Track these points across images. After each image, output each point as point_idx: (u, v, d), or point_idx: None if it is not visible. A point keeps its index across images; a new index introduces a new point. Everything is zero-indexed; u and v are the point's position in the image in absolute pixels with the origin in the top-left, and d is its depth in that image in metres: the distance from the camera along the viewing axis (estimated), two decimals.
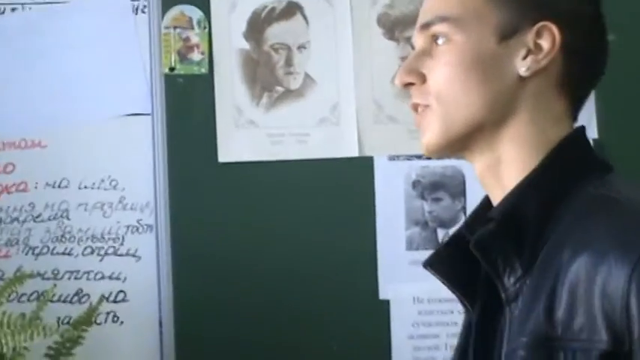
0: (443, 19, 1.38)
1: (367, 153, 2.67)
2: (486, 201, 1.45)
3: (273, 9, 2.67)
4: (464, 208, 2.68)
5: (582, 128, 1.43)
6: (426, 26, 1.41)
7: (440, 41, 1.39)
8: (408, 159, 2.68)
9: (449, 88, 1.38)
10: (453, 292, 1.46)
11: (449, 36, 1.38)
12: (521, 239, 1.35)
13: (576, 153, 1.41)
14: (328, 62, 2.68)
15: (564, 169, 1.39)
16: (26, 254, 2.63)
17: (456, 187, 2.69)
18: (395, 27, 2.68)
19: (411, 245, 2.67)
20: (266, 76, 2.67)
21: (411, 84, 1.40)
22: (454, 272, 1.45)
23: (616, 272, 1.23)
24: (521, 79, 1.38)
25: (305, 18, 2.68)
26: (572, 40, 1.39)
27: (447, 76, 1.38)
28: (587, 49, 1.42)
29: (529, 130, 1.39)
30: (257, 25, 2.66)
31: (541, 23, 1.37)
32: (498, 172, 1.40)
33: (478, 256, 1.37)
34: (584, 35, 1.42)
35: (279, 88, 2.67)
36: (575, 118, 1.44)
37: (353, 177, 2.65)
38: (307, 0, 2.67)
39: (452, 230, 2.59)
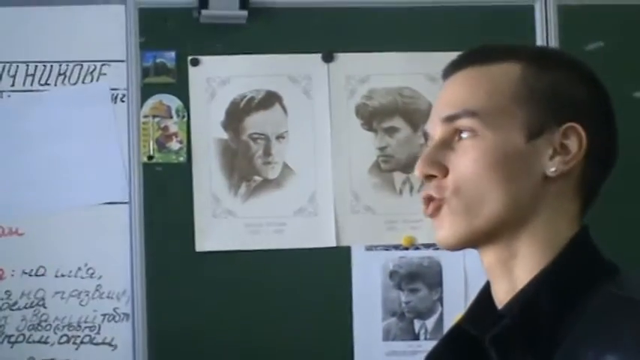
0: (472, 113, 1.35)
1: (344, 243, 2.67)
2: (485, 295, 1.43)
3: (252, 99, 2.69)
4: (440, 299, 2.68)
5: (586, 227, 1.41)
6: (451, 119, 1.37)
7: (464, 135, 1.36)
8: (386, 249, 2.68)
9: (473, 185, 1.35)
10: None
11: (476, 131, 1.35)
12: (536, 335, 1.32)
13: (587, 252, 1.40)
14: (306, 152, 2.69)
15: (578, 267, 1.37)
16: (2, 342, 2.60)
17: (433, 277, 2.69)
18: (373, 118, 2.71)
19: (387, 336, 2.66)
20: (244, 165, 2.68)
21: (433, 176, 1.37)
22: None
23: None
24: (546, 179, 1.35)
25: (284, 108, 2.70)
26: (595, 142, 1.38)
27: (473, 172, 1.35)
28: (607, 149, 1.41)
29: (546, 229, 1.37)
30: (236, 115, 2.68)
31: (568, 124, 1.35)
32: (510, 266, 1.38)
33: (493, 352, 1.34)
34: (605, 136, 1.41)
35: (258, 178, 2.68)
36: (584, 216, 1.43)
37: (330, 267, 2.65)
38: (286, 90, 2.70)
39: (430, 322, 2.66)
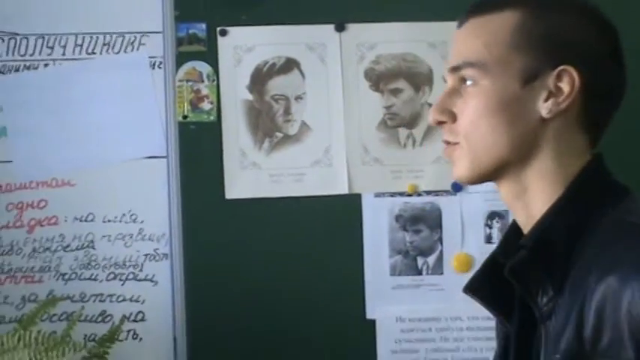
0: (470, 64, 1.40)
1: (356, 191, 2.72)
2: (514, 226, 1.48)
3: (273, 64, 2.73)
4: (440, 239, 2.74)
5: (599, 156, 1.43)
6: (455, 69, 1.42)
7: (468, 82, 1.40)
8: (392, 196, 2.73)
9: (476, 130, 1.39)
10: (491, 311, 1.49)
11: (476, 80, 1.39)
12: (551, 263, 1.36)
13: (595, 181, 1.41)
14: (322, 111, 2.74)
15: (586, 197, 1.39)
16: (57, 280, 2.69)
17: (433, 220, 2.74)
18: (380, 80, 2.74)
19: (394, 271, 2.73)
20: (267, 123, 2.73)
21: (443, 122, 1.43)
22: (491, 294, 1.47)
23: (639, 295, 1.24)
24: (543, 120, 1.38)
25: (301, 73, 2.74)
26: (592, 81, 1.39)
27: (474, 119, 1.39)
28: (606, 87, 1.42)
29: (552, 165, 1.40)
30: (259, 79, 2.72)
31: (561, 67, 1.37)
32: (525, 200, 1.42)
33: (513, 281, 1.38)
34: (604, 74, 1.41)
35: (279, 134, 2.73)
36: (595, 147, 1.45)
37: (343, 212, 2.71)
38: (303, 57, 2.73)
39: (431, 258, 2.73)
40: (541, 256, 1.36)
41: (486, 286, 1.47)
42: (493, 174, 1.42)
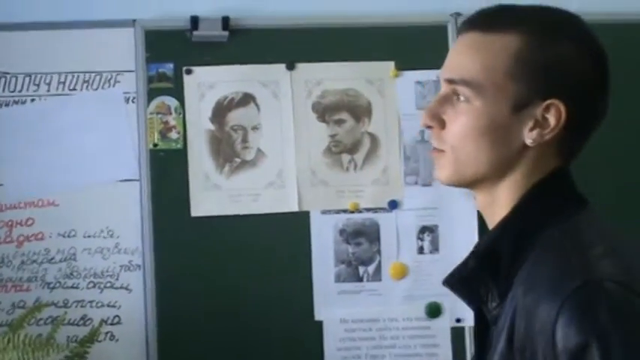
0: (466, 82, 1.34)
1: (305, 208, 2.82)
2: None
3: (232, 99, 2.81)
4: (379, 250, 2.84)
5: (560, 170, 1.38)
6: (451, 82, 1.37)
7: (461, 98, 1.35)
8: (337, 213, 2.83)
9: (462, 146, 1.36)
10: (463, 301, 1.44)
11: (469, 99, 1.34)
12: (498, 272, 1.34)
13: (545, 196, 1.36)
14: (275, 139, 2.82)
15: (534, 211, 1.35)
16: (43, 288, 2.74)
17: (372, 234, 2.84)
18: (325, 112, 2.85)
19: (338, 278, 2.83)
20: (227, 150, 2.80)
21: (430, 127, 1.38)
22: (466, 288, 1.41)
23: (547, 313, 1.22)
24: (525, 147, 1.35)
25: (257, 106, 2.83)
26: (577, 116, 1.34)
27: (462, 135, 1.35)
28: (591, 119, 1.37)
29: (522, 181, 1.37)
30: (220, 111, 2.81)
31: (550, 100, 1.32)
32: (493, 209, 1.39)
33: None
34: (590, 107, 1.36)
35: (237, 160, 2.81)
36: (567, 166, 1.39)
37: (294, 227, 2.81)
38: (259, 92, 2.83)
39: (370, 267, 2.82)
40: (489, 265, 1.35)
41: (462, 280, 1.42)
42: (470, 184, 1.39)
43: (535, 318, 1.23)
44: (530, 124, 1.33)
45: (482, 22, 1.37)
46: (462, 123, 1.35)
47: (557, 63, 1.33)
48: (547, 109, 1.33)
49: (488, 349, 1.36)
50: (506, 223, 1.36)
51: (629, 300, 1.20)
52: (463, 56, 1.36)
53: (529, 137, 1.33)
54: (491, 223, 1.40)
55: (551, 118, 1.33)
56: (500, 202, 1.38)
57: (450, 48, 1.41)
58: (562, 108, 1.32)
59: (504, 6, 1.39)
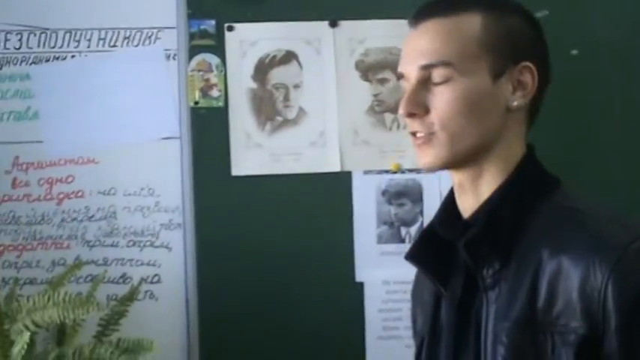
0: (446, 63, 1.42)
1: (347, 169, 2.78)
2: (451, 205, 1.52)
3: (274, 56, 2.79)
4: (421, 211, 2.79)
5: (532, 147, 1.49)
6: (428, 67, 1.43)
7: (438, 80, 1.42)
8: (379, 173, 2.79)
9: (453, 122, 1.42)
10: (427, 276, 1.53)
11: (451, 77, 1.41)
12: (498, 240, 1.40)
13: (535, 168, 1.47)
14: (317, 98, 2.79)
15: (530, 180, 1.44)
16: (83, 246, 2.75)
17: (415, 195, 2.80)
18: (368, 71, 2.80)
19: (380, 240, 2.79)
20: (269, 108, 2.78)
21: (414, 114, 1.43)
22: (428, 261, 1.51)
23: (594, 273, 1.29)
24: (508, 110, 1.44)
25: (299, 64, 2.80)
26: (543, 75, 1.46)
27: (453, 112, 1.41)
28: (548, 82, 1.49)
29: (504, 152, 1.45)
30: (262, 69, 2.78)
31: (523, 63, 1.44)
32: (478, 183, 1.46)
33: (467, 256, 1.42)
34: (548, 69, 1.48)
35: (279, 118, 2.79)
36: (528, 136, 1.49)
37: (336, 187, 2.78)
38: (301, 50, 2.79)
39: (413, 229, 2.79)
40: (490, 233, 1.40)
41: (425, 254, 1.51)
42: (462, 160, 1.44)
43: (570, 278, 1.30)
44: (511, 88, 1.42)
45: (441, 7, 1.44)
46: (450, 101, 1.40)
47: (516, 31, 1.43)
48: (521, 72, 1.43)
49: (471, 314, 1.42)
50: (504, 192, 1.42)
51: None
52: (434, 41, 1.42)
53: (513, 100, 1.43)
54: (475, 196, 1.45)
55: (528, 78, 1.43)
56: (485, 174, 1.44)
57: (407, 40, 1.45)
58: (533, 68, 1.43)
59: None
